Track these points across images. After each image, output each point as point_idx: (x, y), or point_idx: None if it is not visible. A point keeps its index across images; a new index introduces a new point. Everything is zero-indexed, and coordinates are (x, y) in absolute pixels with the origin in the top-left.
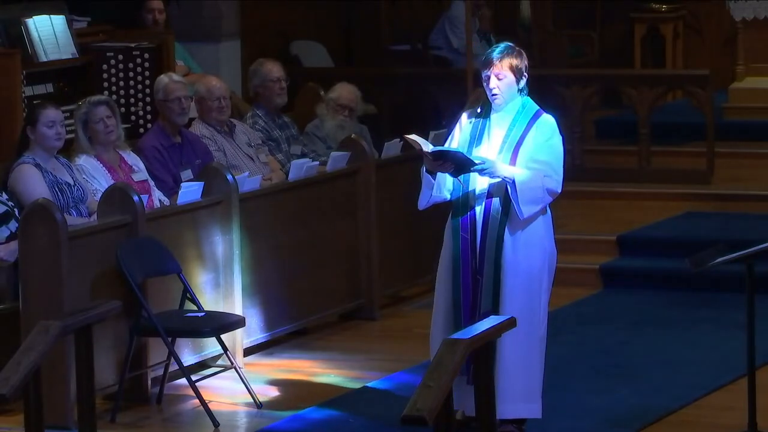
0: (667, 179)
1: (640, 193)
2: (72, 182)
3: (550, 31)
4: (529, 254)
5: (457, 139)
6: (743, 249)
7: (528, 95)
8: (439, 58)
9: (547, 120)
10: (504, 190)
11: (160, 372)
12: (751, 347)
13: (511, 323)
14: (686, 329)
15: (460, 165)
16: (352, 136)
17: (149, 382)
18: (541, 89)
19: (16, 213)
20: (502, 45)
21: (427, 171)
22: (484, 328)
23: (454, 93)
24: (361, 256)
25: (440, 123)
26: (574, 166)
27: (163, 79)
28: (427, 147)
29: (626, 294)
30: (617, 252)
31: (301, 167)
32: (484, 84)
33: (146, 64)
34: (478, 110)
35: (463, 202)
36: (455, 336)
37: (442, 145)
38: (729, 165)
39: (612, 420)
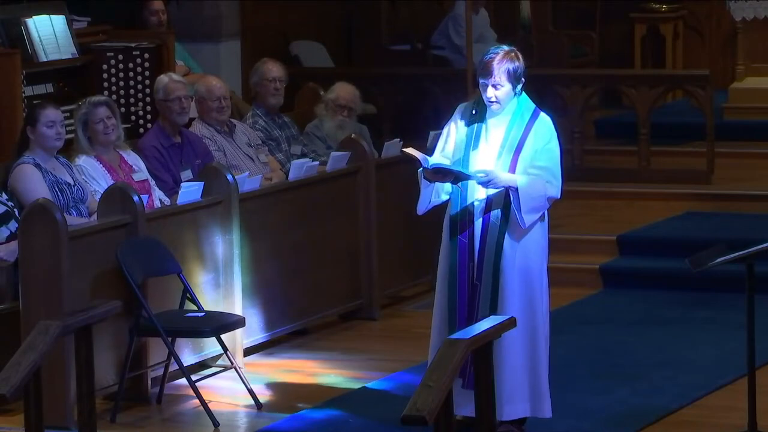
0: (667, 179)
1: (640, 193)
2: (72, 182)
3: (550, 31)
4: (528, 257)
5: (453, 139)
6: (743, 249)
7: (524, 91)
8: (439, 58)
9: (545, 121)
10: (503, 198)
11: (160, 372)
12: (751, 347)
13: (511, 323)
14: (686, 329)
15: (460, 178)
16: (352, 136)
17: (149, 382)
18: (541, 89)
19: (16, 213)
20: (499, 50)
21: (425, 178)
22: (484, 328)
23: (454, 93)
24: (361, 256)
25: (440, 123)
26: (574, 166)
27: (163, 78)
28: (426, 162)
29: (626, 294)
30: (617, 252)
31: (301, 167)
32: (481, 90)
33: (146, 64)
34: (473, 111)
35: (462, 209)
36: (455, 336)
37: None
38: (729, 165)
39: (612, 420)
